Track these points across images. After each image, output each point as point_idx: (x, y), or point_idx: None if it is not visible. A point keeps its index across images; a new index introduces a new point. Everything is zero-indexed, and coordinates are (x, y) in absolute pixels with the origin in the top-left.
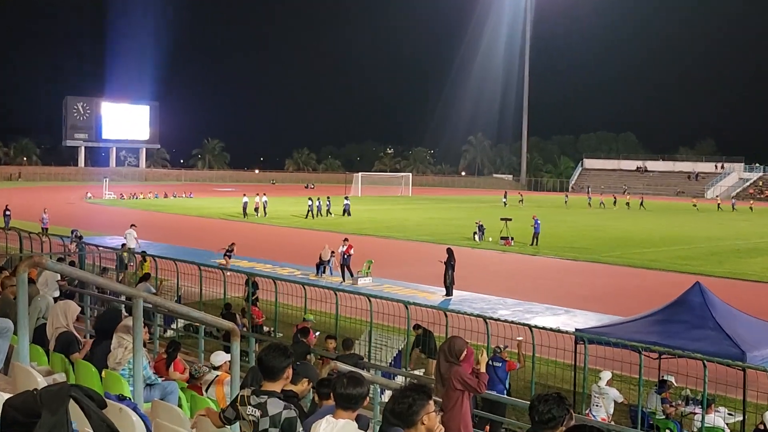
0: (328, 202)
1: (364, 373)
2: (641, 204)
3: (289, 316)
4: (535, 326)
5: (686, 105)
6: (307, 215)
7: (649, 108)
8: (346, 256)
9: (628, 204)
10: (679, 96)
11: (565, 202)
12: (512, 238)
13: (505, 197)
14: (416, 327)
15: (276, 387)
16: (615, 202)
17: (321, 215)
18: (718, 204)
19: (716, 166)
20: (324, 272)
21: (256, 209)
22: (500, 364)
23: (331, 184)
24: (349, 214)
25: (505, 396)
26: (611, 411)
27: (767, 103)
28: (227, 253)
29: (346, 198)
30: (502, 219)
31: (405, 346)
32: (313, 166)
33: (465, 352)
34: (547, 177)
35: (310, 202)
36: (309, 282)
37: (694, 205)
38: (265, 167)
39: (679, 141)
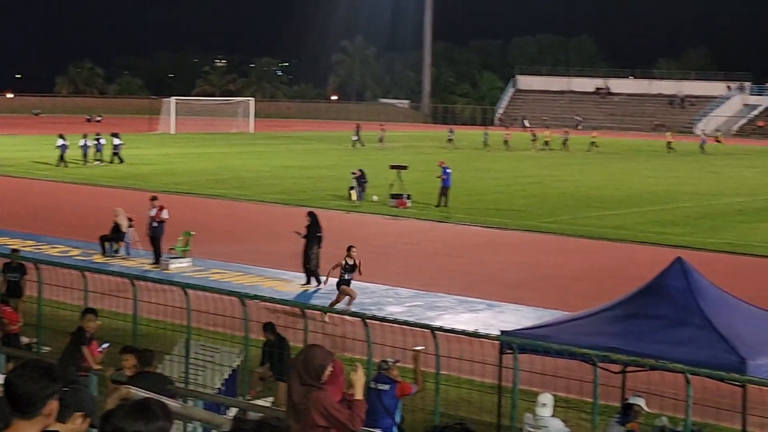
0: (101, 141)
1: (170, 402)
2: (592, 144)
3: (60, 319)
4: (442, 329)
5: (670, 8)
6: (60, 162)
7: (610, 3)
8: (155, 224)
9: (594, 143)
10: None
11: (485, 142)
12: (408, 197)
13: (357, 134)
14: (268, 328)
15: (32, 428)
16: (565, 142)
17: (101, 160)
18: (702, 143)
19: (722, 87)
20: (116, 251)
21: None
22: (387, 387)
23: (129, 114)
24: (120, 160)
25: None
26: None
27: None
28: None
29: (115, 136)
30: (392, 167)
31: (243, 363)
32: (101, 87)
33: (330, 370)
34: (462, 103)
35: (61, 142)
36: (93, 266)
37: (669, 145)
38: (24, 89)
39: (658, 50)
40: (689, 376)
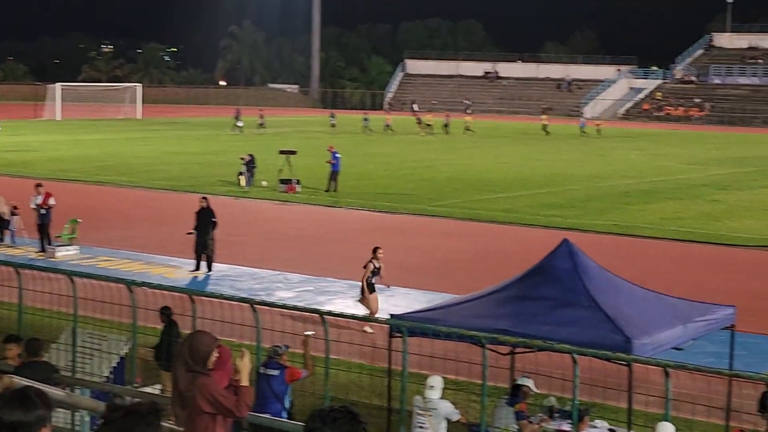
0: None
1: (55, 391)
2: (467, 128)
3: None
4: (331, 313)
5: None
6: None
7: None
8: (43, 212)
9: (468, 128)
10: None
11: (366, 126)
12: (298, 182)
13: (237, 119)
14: (165, 312)
15: None
16: (446, 126)
17: None
18: (581, 126)
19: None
20: (1, 239)
21: None
22: (277, 373)
23: (14, 101)
24: None
25: (286, 420)
26: None
27: None
28: None
29: None
30: (282, 152)
31: (131, 350)
32: None
33: (215, 356)
34: (351, 87)
35: None
36: None
37: (544, 129)
38: None
39: (546, 34)
40: (576, 356)
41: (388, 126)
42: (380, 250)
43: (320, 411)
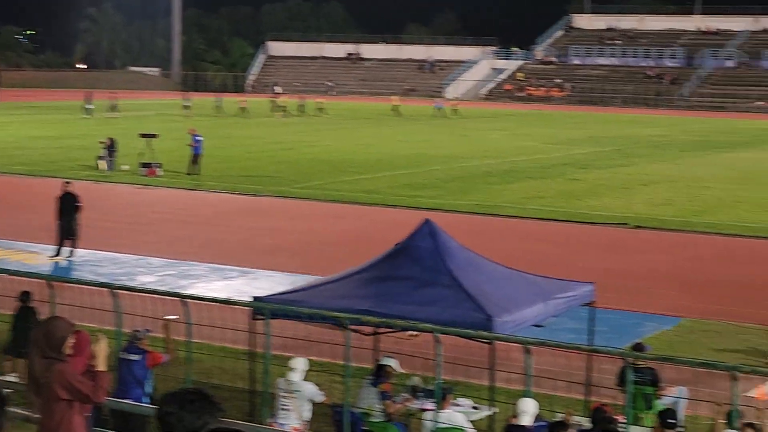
0: None
1: None
2: (319, 110)
3: None
4: (192, 297)
5: None
6: None
7: None
8: None
9: (321, 109)
10: None
11: (218, 106)
12: (159, 165)
13: (88, 101)
14: (21, 298)
15: None
16: (302, 107)
17: None
18: (438, 107)
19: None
20: None
21: None
22: (138, 357)
23: None
24: None
25: (147, 405)
26: (307, 416)
27: None
28: None
29: None
30: (142, 136)
31: None
32: None
33: (71, 342)
34: (213, 70)
35: None
36: None
37: (396, 109)
38: None
39: (407, 15)
40: (438, 335)
41: (243, 108)
42: None
43: (173, 394)
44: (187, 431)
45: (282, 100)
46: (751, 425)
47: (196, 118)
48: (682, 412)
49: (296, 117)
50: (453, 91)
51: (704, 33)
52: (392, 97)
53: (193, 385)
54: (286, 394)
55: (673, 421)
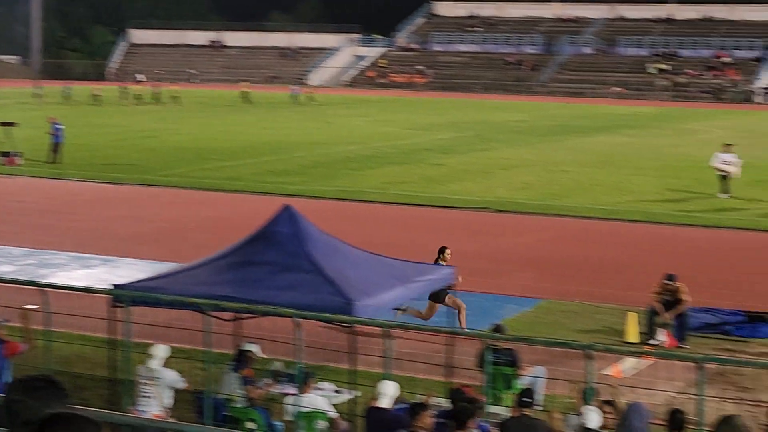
0: None
1: None
2: (174, 97)
3: None
4: (51, 285)
5: None
6: None
7: None
8: None
9: (175, 96)
10: None
11: (67, 95)
12: (19, 154)
13: None
14: None
15: None
16: (157, 95)
17: None
18: (295, 94)
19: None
20: None
21: None
22: None
23: None
24: None
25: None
26: (169, 402)
27: None
28: None
29: None
30: (1, 124)
31: None
32: None
33: None
34: (74, 58)
35: None
36: None
37: (246, 96)
38: None
39: (271, 3)
40: (298, 320)
41: (96, 96)
42: (448, 251)
43: (19, 381)
44: (33, 419)
45: (137, 88)
46: (608, 402)
47: (50, 107)
48: (541, 391)
49: (151, 105)
50: (316, 78)
51: (562, 20)
52: (240, 84)
53: (52, 374)
54: (147, 382)
55: (530, 400)
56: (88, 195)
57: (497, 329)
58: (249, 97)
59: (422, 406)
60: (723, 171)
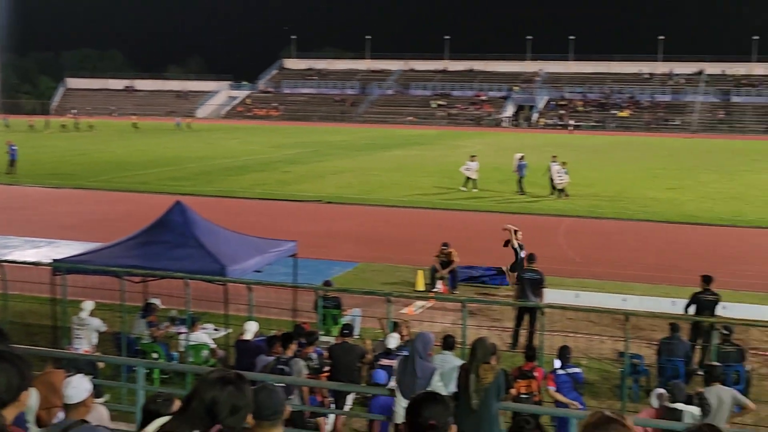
0: None
1: None
2: (90, 126)
3: None
4: (8, 261)
5: (173, 22)
6: None
7: (135, 25)
8: None
9: (92, 126)
10: (166, 12)
11: (5, 124)
12: None
13: None
14: None
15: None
16: (78, 125)
17: None
18: (178, 123)
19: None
20: None
21: None
22: None
23: None
24: None
25: None
26: (95, 341)
27: (251, 20)
28: None
29: None
30: None
31: None
32: None
33: None
34: (26, 98)
35: None
36: None
37: (135, 125)
38: None
39: (168, 59)
40: (187, 281)
41: (31, 126)
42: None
43: None
44: None
45: (65, 119)
46: (402, 330)
47: (6, 134)
48: (358, 326)
49: (73, 132)
50: (201, 112)
51: (372, 71)
52: (132, 117)
53: (9, 324)
54: (78, 327)
55: (350, 332)
56: (37, 196)
57: (326, 283)
58: (138, 126)
59: (276, 338)
60: (467, 173)
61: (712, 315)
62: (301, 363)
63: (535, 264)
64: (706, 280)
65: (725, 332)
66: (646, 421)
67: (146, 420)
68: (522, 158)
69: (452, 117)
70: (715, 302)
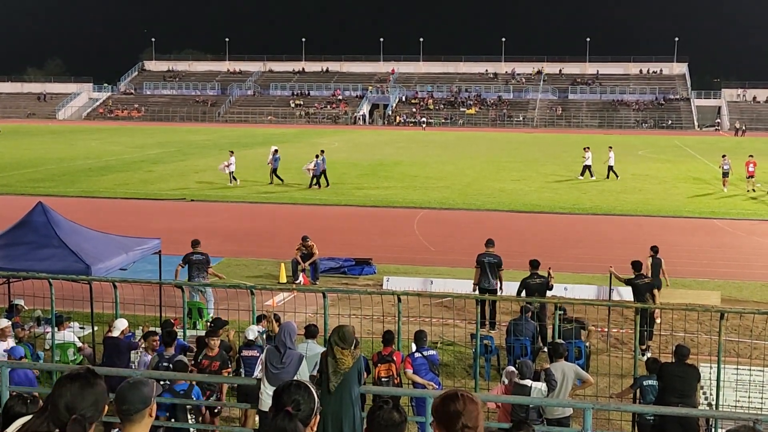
0: None
1: None
2: None
3: None
4: None
5: (32, 24)
6: None
7: None
8: None
9: None
10: (24, 15)
11: None
12: None
13: None
14: None
15: None
16: None
17: None
18: None
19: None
20: None
21: None
22: None
23: None
24: None
25: None
26: None
27: (111, 22)
28: None
29: None
30: None
31: None
32: None
33: None
34: None
35: None
36: None
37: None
38: None
39: (27, 61)
40: (51, 280)
41: None
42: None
43: None
44: None
45: None
46: (275, 319)
47: None
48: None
49: None
50: (63, 114)
51: (232, 72)
52: None
53: None
54: None
55: (215, 325)
56: None
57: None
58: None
59: (153, 333)
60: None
61: (543, 297)
62: (185, 360)
63: (493, 248)
64: (534, 264)
65: (560, 312)
66: (496, 397)
67: (7, 421)
68: (276, 152)
69: (310, 116)
70: (544, 285)
